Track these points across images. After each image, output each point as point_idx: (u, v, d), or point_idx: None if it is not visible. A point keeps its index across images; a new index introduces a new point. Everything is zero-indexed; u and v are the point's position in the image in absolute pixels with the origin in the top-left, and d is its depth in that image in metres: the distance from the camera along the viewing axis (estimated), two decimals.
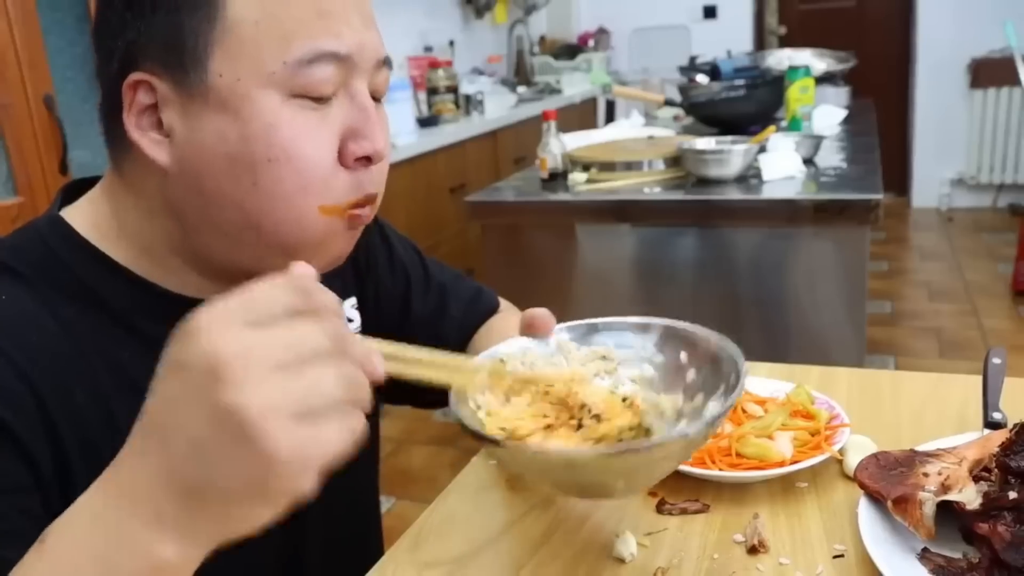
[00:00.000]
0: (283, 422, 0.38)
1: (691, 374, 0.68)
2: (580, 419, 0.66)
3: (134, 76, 0.58)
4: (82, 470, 0.57)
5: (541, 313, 0.71)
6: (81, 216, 0.65)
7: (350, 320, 0.84)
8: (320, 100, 0.59)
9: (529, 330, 0.71)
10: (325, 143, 0.60)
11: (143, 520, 0.41)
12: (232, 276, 0.67)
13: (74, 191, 0.69)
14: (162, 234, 0.64)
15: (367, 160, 0.62)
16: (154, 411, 0.42)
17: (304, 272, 0.43)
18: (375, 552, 0.89)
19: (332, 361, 0.41)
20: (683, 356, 0.69)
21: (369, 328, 0.86)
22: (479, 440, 0.58)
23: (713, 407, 0.63)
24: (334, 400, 0.40)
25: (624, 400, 0.69)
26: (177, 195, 0.61)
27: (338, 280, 0.83)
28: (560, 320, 0.73)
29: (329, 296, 0.43)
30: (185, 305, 0.65)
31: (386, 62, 0.64)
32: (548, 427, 0.64)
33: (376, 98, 0.65)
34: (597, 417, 0.66)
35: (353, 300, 0.85)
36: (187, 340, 0.40)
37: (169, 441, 0.40)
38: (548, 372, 0.69)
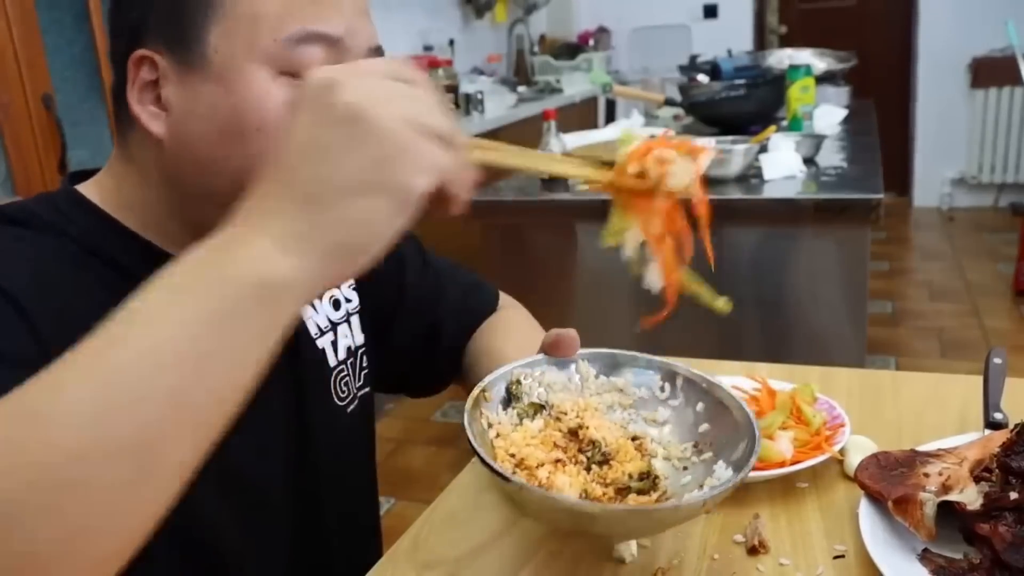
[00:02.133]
0: (394, 115, 0.43)
1: (705, 427, 0.69)
2: (589, 456, 0.66)
3: (138, 52, 0.62)
4: None
5: (567, 335, 0.71)
6: (92, 191, 0.69)
7: (348, 300, 0.86)
8: None
9: (552, 350, 0.71)
10: None
11: (261, 234, 0.43)
12: None
13: (79, 179, 0.71)
14: (161, 204, 0.67)
15: None
16: (284, 144, 0.45)
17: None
18: (374, 550, 0.89)
19: (438, 107, 0.46)
20: (700, 407, 0.69)
21: (366, 310, 0.87)
22: (491, 471, 0.57)
23: (722, 471, 0.63)
24: (439, 128, 0.45)
25: (634, 439, 0.69)
26: (173, 166, 0.65)
27: None
28: (561, 323, 0.73)
29: (427, 77, 0.48)
30: None
31: (378, 51, 0.67)
32: (558, 461, 0.64)
33: None
34: (605, 456, 0.66)
35: (350, 280, 0.86)
36: (306, 84, 0.46)
37: (288, 155, 0.45)
38: (562, 400, 0.69)
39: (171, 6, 0.61)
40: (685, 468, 0.67)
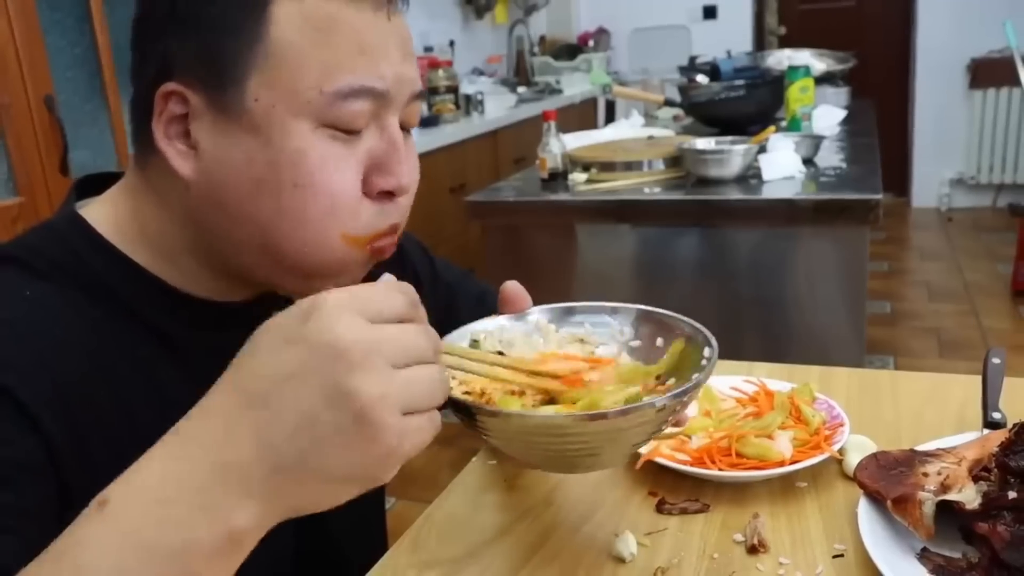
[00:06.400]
0: (394, 413, 0.42)
1: (666, 358, 0.68)
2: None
3: (168, 86, 0.58)
4: (103, 460, 0.56)
5: (514, 289, 0.70)
6: (101, 215, 0.65)
7: None
8: (350, 132, 0.60)
9: (505, 307, 0.70)
10: (351, 173, 0.60)
11: (228, 488, 0.41)
12: (251, 286, 0.68)
13: (87, 186, 0.69)
14: (183, 239, 0.64)
15: (390, 194, 0.63)
16: (259, 380, 0.42)
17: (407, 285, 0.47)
18: (380, 544, 0.89)
19: (432, 365, 0.45)
20: (659, 341, 0.69)
21: None
22: (456, 410, 0.57)
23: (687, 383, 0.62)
24: (429, 400, 0.44)
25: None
26: (199, 207, 0.61)
27: None
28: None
29: (424, 311, 0.47)
30: (204, 307, 0.66)
31: (419, 95, 0.64)
32: (513, 392, 0.64)
33: (406, 129, 0.65)
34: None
35: None
36: (310, 317, 0.42)
37: (278, 415, 0.41)
38: (523, 353, 0.68)
39: (209, 44, 0.57)
40: None
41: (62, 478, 0.54)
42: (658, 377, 0.67)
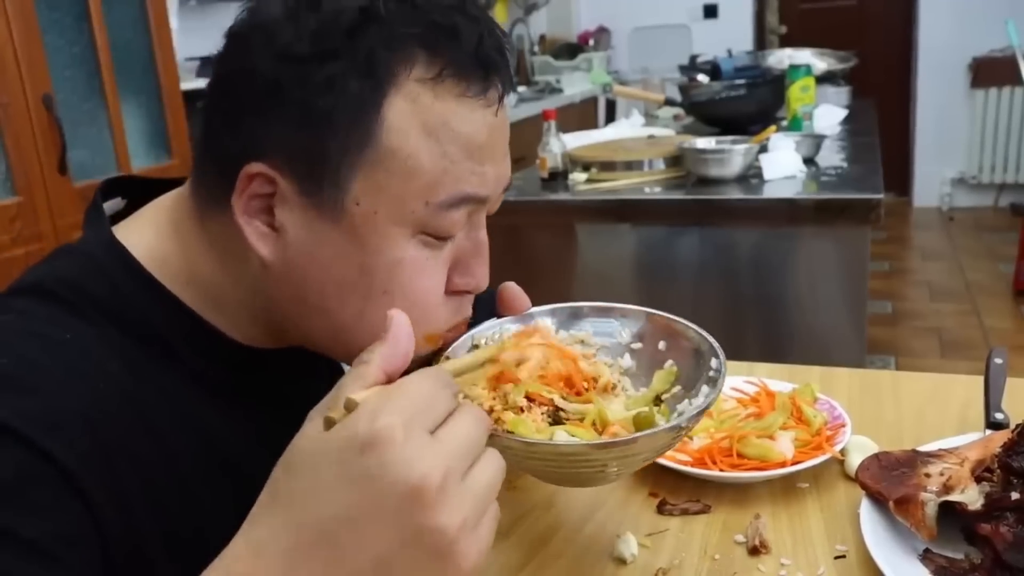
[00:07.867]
0: (471, 535, 0.40)
1: (669, 364, 0.68)
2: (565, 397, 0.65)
3: (257, 167, 0.54)
4: (143, 507, 0.54)
5: (513, 290, 0.69)
6: (142, 246, 0.60)
7: None
8: (445, 239, 0.58)
9: (504, 308, 0.69)
10: (439, 279, 0.59)
11: None
12: (291, 339, 0.65)
13: (111, 191, 0.66)
14: (238, 297, 0.61)
15: (466, 292, 0.62)
16: (324, 521, 0.40)
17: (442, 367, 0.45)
18: None
19: (489, 455, 0.43)
20: (662, 345, 0.68)
21: None
22: None
23: (696, 398, 0.62)
24: (494, 494, 0.42)
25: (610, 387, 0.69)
26: (272, 286, 0.59)
27: None
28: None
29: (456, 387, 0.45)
30: (241, 350, 0.63)
31: (509, 186, 0.63)
32: (521, 409, 0.63)
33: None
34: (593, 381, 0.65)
35: None
36: (371, 451, 0.39)
37: (350, 558, 0.39)
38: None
39: (314, 138, 0.53)
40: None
41: (104, 537, 0.51)
42: (657, 398, 0.66)
